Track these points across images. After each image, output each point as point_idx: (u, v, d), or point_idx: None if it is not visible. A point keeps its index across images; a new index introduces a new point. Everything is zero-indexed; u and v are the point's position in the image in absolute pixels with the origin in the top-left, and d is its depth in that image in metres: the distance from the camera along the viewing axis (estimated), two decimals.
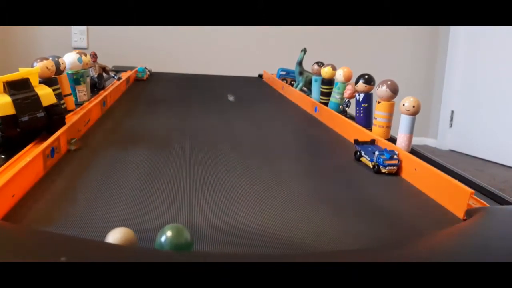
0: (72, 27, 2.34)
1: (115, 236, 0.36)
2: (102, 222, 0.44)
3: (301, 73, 1.29)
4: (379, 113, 0.78)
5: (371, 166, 0.66)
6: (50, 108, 0.65)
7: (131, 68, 1.52)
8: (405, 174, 0.64)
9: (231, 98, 1.06)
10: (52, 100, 0.66)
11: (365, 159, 0.68)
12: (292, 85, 1.35)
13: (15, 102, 0.60)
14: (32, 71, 0.65)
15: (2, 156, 0.58)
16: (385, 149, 0.67)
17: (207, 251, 0.40)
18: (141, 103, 1.11)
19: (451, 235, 0.41)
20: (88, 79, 0.96)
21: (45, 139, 0.61)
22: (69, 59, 0.89)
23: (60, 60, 0.82)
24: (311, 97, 1.16)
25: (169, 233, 0.35)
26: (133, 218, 0.46)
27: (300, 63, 1.29)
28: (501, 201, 0.55)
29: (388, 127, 0.79)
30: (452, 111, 2.67)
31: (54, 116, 0.66)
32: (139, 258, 0.31)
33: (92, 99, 0.95)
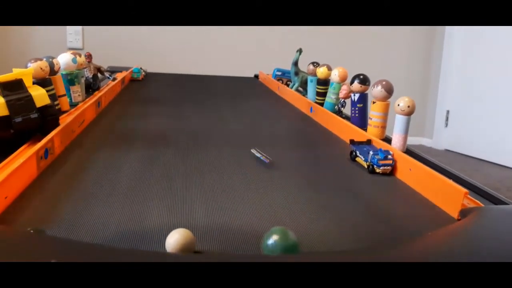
0: (67, 27, 2.33)
1: (174, 237, 0.36)
2: (96, 224, 0.44)
3: (296, 73, 1.29)
4: (374, 113, 0.78)
5: (366, 166, 0.66)
6: (43, 109, 0.65)
7: (126, 69, 1.52)
8: (400, 174, 0.64)
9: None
10: (46, 101, 0.65)
11: (360, 159, 0.68)
12: (288, 85, 1.35)
13: (8, 103, 0.59)
14: (26, 72, 0.65)
15: None
16: (380, 149, 0.67)
17: (205, 252, 0.40)
18: (136, 104, 1.11)
19: (446, 235, 0.41)
20: (82, 80, 0.96)
21: (39, 140, 0.60)
22: (64, 59, 0.88)
23: (54, 60, 0.82)
24: (306, 97, 1.16)
25: (275, 237, 0.36)
26: (128, 220, 0.46)
27: (295, 64, 1.29)
28: (495, 200, 0.55)
29: (383, 127, 0.79)
30: (448, 111, 2.67)
31: (48, 117, 0.65)
32: (132, 258, 0.30)
33: (87, 100, 0.94)
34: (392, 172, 0.65)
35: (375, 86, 0.77)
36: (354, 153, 0.70)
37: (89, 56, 1.09)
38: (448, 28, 2.62)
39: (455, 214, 0.51)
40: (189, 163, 0.65)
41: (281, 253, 0.36)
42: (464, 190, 0.51)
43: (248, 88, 1.49)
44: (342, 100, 0.96)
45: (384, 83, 0.77)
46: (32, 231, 0.36)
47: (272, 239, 0.36)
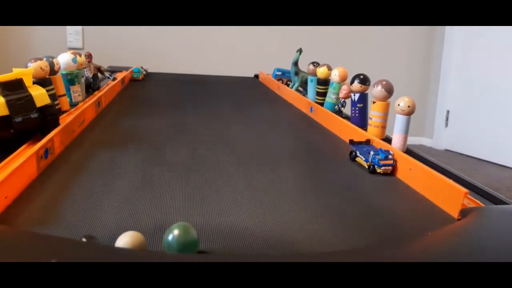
0: (67, 27, 2.33)
1: (124, 239, 0.36)
2: (96, 224, 0.44)
3: (296, 73, 1.29)
4: (374, 113, 0.78)
5: (366, 166, 0.66)
6: (44, 108, 0.64)
7: (126, 69, 1.52)
8: (400, 174, 0.64)
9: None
10: (46, 100, 0.65)
11: (360, 159, 0.68)
12: (288, 85, 1.35)
13: (8, 103, 0.59)
14: (26, 72, 0.65)
15: None
16: (380, 149, 0.67)
17: (204, 252, 0.40)
18: (136, 104, 1.11)
19: (446, 235, 0.41)
20: (82, 80, 0.96)
21: (39, 140, 0.60)
22: (64, 59, 0.88)
23: (54, 60, 0.82)
24: (306, 97, 1.16)
25: (176, 232, 0.35)
26: (127, 220, 0.46)
27: (295, 63, 1.29)
28: (495, 200, 0.55)
29: (383, 127, 0.79)
30: (448, 111, 2.67)
31: (48, 117, 0.65)
32: (132, 258, 0.30)
33: (87, 99, 0.94)
34: (392, 172, 0.65)
35: (375, 86, 0.77)
36: (354, 153, 0.70)
37: (89, 56, 1.09)
38: (448, 28, 2.62)
39: (455, 214, 0.51)
40: (190, 163, 0.65)
41: (180, 249, 0.35)
42: (464, 190, 0.51)
43: (248, 88, 1.49)
44: (342, 100, 0.96)
45: (384, 83, 0.77)
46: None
47: (172, 235, 0.35)
